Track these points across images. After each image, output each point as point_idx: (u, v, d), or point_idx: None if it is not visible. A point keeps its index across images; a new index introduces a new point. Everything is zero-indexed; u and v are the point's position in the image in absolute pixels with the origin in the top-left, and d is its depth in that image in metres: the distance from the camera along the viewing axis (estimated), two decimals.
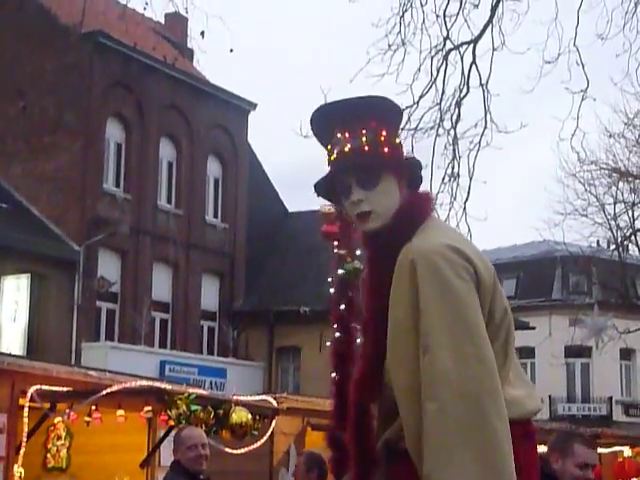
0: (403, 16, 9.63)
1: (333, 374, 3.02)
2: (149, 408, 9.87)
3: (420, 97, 9.64)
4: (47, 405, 9.32)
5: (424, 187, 2.98)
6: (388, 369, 2.74)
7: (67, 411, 9.37)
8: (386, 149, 2.82)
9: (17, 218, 25.74)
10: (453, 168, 9.86)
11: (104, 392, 9.16)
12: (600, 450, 13.95)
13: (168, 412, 9.66)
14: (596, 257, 28.55)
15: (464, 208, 9.85)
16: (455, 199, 9.85)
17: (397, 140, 2.90)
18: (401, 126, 3.25)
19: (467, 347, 2.58)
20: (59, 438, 11.10)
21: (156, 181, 29.19)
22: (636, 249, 27.87)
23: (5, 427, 9.16)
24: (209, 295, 30.72)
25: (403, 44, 9.68)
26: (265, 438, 11.13)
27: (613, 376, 37.97)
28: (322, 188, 2.96)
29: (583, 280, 35.29)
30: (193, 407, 9.80)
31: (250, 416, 10.49)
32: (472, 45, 9.76)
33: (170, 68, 26.00)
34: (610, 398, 38.03)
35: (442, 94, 9.73)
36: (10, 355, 11.54)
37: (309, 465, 7.38)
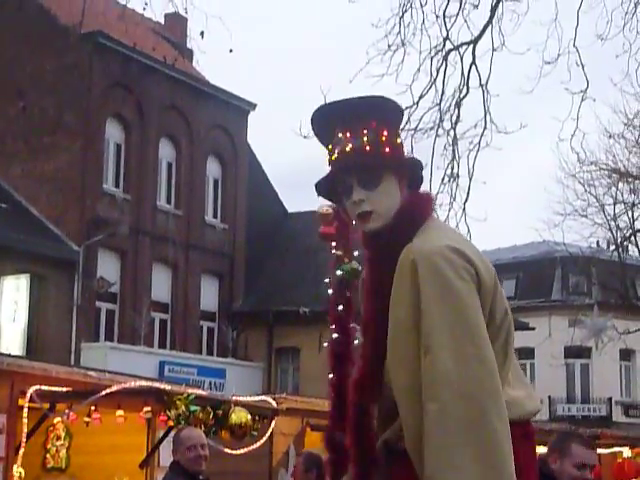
0: (403, 16, 9.64)
1: (330, 375, 3.02)
2: (148, 408, 9.87)
3: (420, 97, 9.64)
4: (46, 405, 9.32)
5: (423, 187, 2.98)
6: (388, 369, 2.74)
7: (66, 411, 9.37)
8: (387, 149, 2.82)
9: (16, 218, 25.74)
10: (453, 168, 9.87)
11: (103, 392, 9.16)
12: (600, 451, 13.95)
13: (167, 412, 9.66)
14: (596, 258, 28.54)
15: (464, 209, 9.85)
16: (455, 199, 9.85)
17: (398, 140, 2.90)
18: (401, 126, 3.25)
19: (468, 348, 2.58)
20: (58, 438, 11.10)
21: (156, 181, 29.19)
22: (636, 250, 27.89)
23: (4, 427, 9.17)
24: (208, 295, 30.72)
25: (403, 44, 9.68)
26: (264, 439, 11.13)
27: (613, 377, 37.97)
28: (323, 188, 2.96)
29: (583, 281, 35.27)
30: (192, 407, 9.80)
31: (249, 417, 10.48)
32: (472, 45, 9.76)
33: (170, 68, 25.99)
34: (610, 399, 38.04)
35: (442, 94, 9.73)
36: (9, 355, 11.55)
37: (308, 465, 7.38)
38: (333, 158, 2.87)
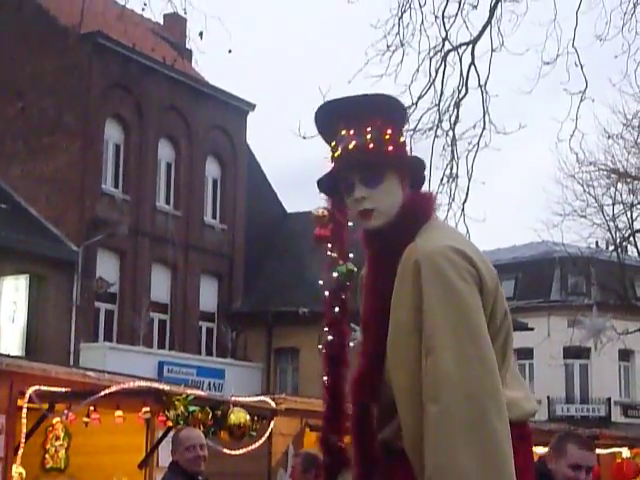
0: (402, 17, 9.63)
1: (325, 377, 3.01)
2: (147, 409, 9.87)
3: (419, 98, 9.64)
4: (45, 406, 9.33)
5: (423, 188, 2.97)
6: (388, 369, 2.74)
7: (65, 412, 9.37)
8: (390, 147, 2.82)
9: (16, 219, 25.73)
10: (452, 169, 9.86)
11: (102, 393, 9.16)
12: (598, 451, 13.93)
13: (166, 413, 9.66)
14: (595, 258, 28.54)
15: (462, 209, 9.83)
16: (454, 200, 9.84)
17: (401, 139, 2.90)
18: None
19: (470, 348, 2.59)
20: (57, 439, 11.09)
21: (155, 182, 29.20)
22: (635, 250, 27.87)
23: (3, 428, 9.17)
24: (208, 296, 30.71)
25: (402, 45, 9.67)
26: (263, 439, 11.13)
27: (612, 377, 37.98)
28: (325, 185, 2.96)
29: (582, 281, 35.28)
30: (191, 408, 9.80)
31: (248, 417, 10.48)
32: (471, 46, 9.75)
33: (169, 69, 25.99)
34: (609, 399, 38.05)
35: (441, 95, 9.72)
36: (9, 356, 11.56)
37: (306, 466, 7.36)
38: (336, 155, 2.86)
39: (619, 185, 26.25)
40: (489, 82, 9.80)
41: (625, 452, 17.49)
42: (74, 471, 10.98)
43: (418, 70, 9.67)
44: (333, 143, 2.88)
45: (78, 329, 25.80)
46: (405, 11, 9.61)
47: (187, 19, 20.84)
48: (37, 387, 9.09)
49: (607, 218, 26.39)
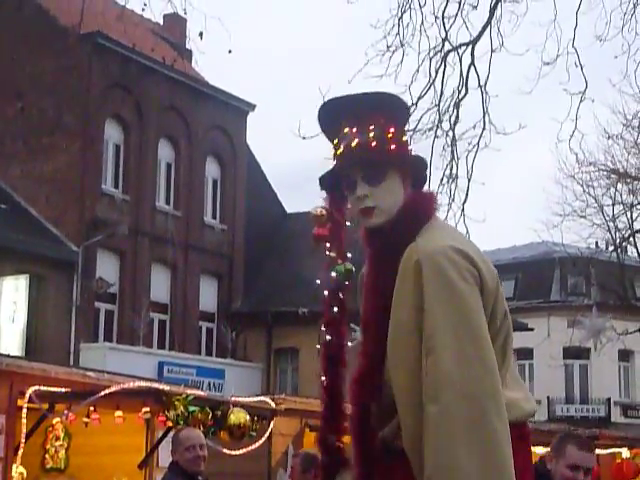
0: (402, 17, 9.62)
1: (323, 377, 3.00)
2: (147, 409, 9.87)
3: (419, 98, 9.63)
4: (45, 406, 9.33)
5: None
6: (388, 368, 2.74)
7: (65, 412, 9.37)
8: (393, 146, 2.82)
9: (16, 219, 25.74)
10: (451, 169, 9.86)
11: (102, 393, 9.16)
12: (598, 451, 13.93)
13: (166, 413, 9.66)
14: (595, 258, 28.52)
15: (462, 209, 9.83)
16: (453, 200, 9.83)
17: (404, 138, 2.90)
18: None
19: (470, 349, 2.60)
20: (57, 439, 11.10)
21: (155, 182, 29.20)
22: (635, 250, 27.83)
23: (3, 428, 9.17)
24: (207, 296, 30.71)
25: (402, 45, 9.66)
26: (263, 439, 11.12)
27: (611, 377, 37.97)
28: (327, 182, 2.96)
29: (582, 281, 35.26)
30: (191, 408, 9.80)
31: (248, 417, 10.48)
32: (471, 46, 9.75)
33: (169, 69, 25.99)
34: (608, 399, 38.04)
35: (441, 95, 9.72)
36: (8, 356, 11.55)
37: (305, 466, 7.36)
38: (338, 152, 2.87)
39: (619, 185, 26.25)
40: (489, 82, 9.80)
41: (625, 452, 17.49)
42: (74, 471, 10.98)
43: (418, 70, 9.68)
44: (336, 141, 2.88)
45: (78, 329, 25.81)
46: (405, 11, 9.61)
47: (187, 19, 20.84)
48: (37, 387, 9.09)
49: (607, 218, 26.39)
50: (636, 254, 27.72)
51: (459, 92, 9.75)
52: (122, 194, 28.08)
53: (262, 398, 11.90)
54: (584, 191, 26.47)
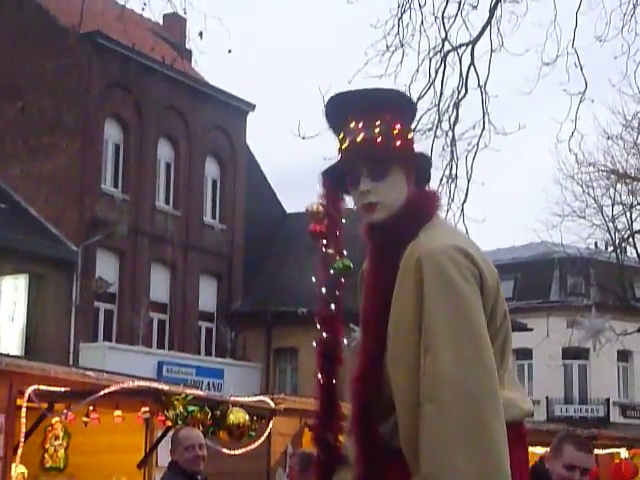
0: (401, 17, 9.63)
1: (319, 375, 2.99)
2: (146, 409, 9.88)
3: (418, 98, 9.62)
4: (45, 405, 9.34)
5: None
6: (387, 365, 2.74)
7: (65, 411, 9.39)
8: (398, 142, 2.82)
9: (15, 218, 25.73)
10: (451, 170, 9.86)
11: (102, 392, 9.17)
12: (597, 451, 13.96)
13: (165, 413, 9.66)
14: (594, 259, 28.56)
15: (462, 209, 9.83)
16: (453, 201, 9.83)
17: (409, 135, 2.90)
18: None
19: (469, 348, 2.59)
20: (57, 438, 11.11)
21: (154, 182, 29.19)
22: (634, 251, 27.84)
23: (3, 427, 9.18)
24: (207, 296, 30.71)
25: (401, 45, 9.67)
26: (262, 439, 11.13)
27: (610, 378, 37.98)
28: (330, 176, 2.95)
29: (581, 282, 35.27)
30: (190, 408, 9.81)
31: (247, 417, 10.49)
32: (470, 47, 9.75)
33: (168, 69, 25.94)
34: (607, 400, 38.05)
35: (440, 95, 9.72)
36: (8, 355, 11.55)
37: (303, 465, 7.33)
38: (343, 147, 2.87)
39: (618, 186, 26.27)
40: (489, 83, 9.80)
41: (623, 453, 17.50)
42: (73, 470, 11.00)
43: (418, 70, 9.68)
44: (341, 135, 2.88)
45: (77, 329, 25.80)
46: (405, 11, 9.61)
47: (187, 19, 20.91)
48: (36, 387, 9.10)
49: (606, 219, 26.41)
50: (635, 255, 27.73)
51: (459, 92, 9.76)
52: (122, 194, 28.08)
53: (261, 398, 11.91)
54: (584, 191, 26.51)
